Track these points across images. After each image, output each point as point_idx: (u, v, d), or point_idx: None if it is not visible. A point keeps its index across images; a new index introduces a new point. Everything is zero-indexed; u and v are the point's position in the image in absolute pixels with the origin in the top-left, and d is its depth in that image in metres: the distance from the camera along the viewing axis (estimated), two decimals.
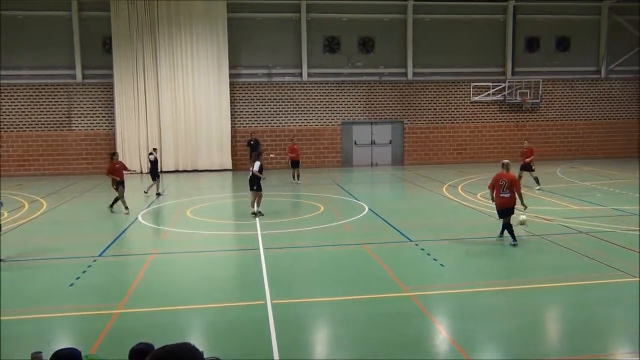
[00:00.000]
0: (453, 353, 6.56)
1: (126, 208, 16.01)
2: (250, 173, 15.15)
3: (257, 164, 15.03)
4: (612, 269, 9.72)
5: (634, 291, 8.44)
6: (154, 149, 20.22)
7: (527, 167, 19.02)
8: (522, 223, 12.64)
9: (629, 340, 6.93)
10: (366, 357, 6.52)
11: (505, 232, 11.74)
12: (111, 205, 16.25)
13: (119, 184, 16.08)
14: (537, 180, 18.93)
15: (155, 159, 19.39)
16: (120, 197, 16.12)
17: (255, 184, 15.01)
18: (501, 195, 11.44)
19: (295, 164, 22.19)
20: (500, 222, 11.82)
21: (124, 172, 16.63)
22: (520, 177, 18.27)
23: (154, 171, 19.28)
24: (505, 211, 11.54)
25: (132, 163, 26.40)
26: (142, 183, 24.06)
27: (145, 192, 19.64)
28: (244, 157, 27.74)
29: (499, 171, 11.73)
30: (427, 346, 6.86)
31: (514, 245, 11.33)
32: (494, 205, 11.83)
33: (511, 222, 11.61)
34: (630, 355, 6.51)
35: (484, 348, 6.85)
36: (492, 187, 11.74)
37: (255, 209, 15.13)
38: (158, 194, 19.31)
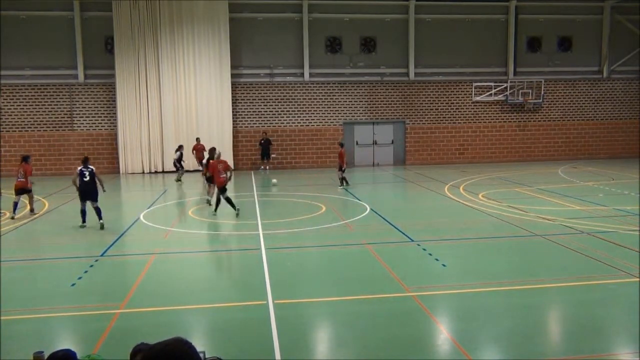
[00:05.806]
0: (454, 353, 6.56)
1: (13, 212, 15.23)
2: None
3: None
4: (613, 269, 9.70)
5: (634, 291, 8.43)
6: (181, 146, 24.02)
7: (340, 168, 21.23)
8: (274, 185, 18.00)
9: (629, 340, 6.92)
10: (368, 357, 6.52)
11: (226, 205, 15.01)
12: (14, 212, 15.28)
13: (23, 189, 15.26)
14: (344, 180, 20.99)
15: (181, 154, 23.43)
16: (17, 200, 15.32)
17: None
18: (222, 176, 14.75)
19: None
20: None
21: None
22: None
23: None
24: (223, 189, 14.84)
25: (133, 163, 26.49)
26: (142, 182, 24.08)
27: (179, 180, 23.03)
28: (245, 157, 27.77)
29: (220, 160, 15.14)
30: (429, 346, 6.86)
31: (214, 214, 14.93)
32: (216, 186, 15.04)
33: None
34: (630, 355, 6.50)
35: (486, 348, 6.84)
36: (212, 172, 15.22)
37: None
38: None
